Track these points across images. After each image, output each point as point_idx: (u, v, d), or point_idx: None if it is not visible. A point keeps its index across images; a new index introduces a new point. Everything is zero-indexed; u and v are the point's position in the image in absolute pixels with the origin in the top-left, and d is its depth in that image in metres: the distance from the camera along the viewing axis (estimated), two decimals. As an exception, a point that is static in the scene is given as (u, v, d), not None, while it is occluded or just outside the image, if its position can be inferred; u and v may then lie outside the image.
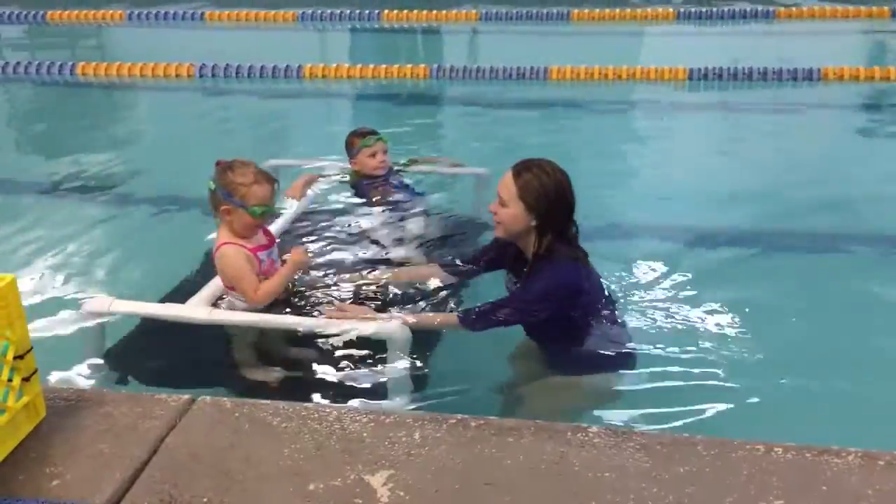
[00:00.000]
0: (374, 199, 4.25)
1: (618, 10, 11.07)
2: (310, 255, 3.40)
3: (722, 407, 2.90)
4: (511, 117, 7.35)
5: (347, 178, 4.44)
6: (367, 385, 2.96)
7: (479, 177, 4.78)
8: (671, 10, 11.20)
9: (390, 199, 4.26)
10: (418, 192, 4.45)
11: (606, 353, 3.06)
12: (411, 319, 2.97)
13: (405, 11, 11.53)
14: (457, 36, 11.51)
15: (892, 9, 10.67)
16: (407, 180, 4.51)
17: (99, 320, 3.01)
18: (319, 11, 11.73)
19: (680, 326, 3.37)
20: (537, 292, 2.95)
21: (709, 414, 2.86)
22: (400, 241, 4.01)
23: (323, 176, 4.51)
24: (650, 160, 6.21)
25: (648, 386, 3.01)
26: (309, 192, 4.33)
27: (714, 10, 11.19)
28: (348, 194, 4.42)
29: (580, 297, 2.98)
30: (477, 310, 3.04)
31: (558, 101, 7.64)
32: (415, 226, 4.15)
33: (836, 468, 1.89)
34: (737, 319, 3.40)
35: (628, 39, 10.61)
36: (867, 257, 4.36)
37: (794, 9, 10.87)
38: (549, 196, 2.93)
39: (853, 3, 11.19)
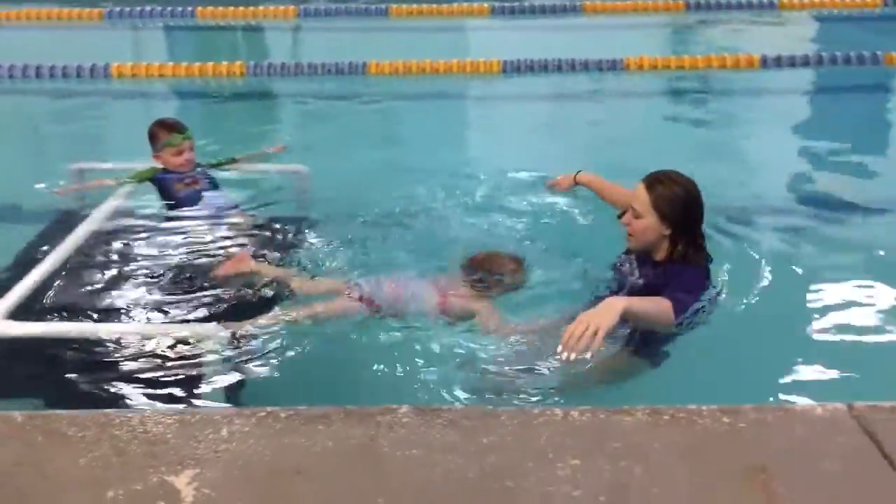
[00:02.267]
0: (179, 193, 4.12)
1: (434, 6, 11.23)
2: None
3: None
4: (331, 113, 7.32)
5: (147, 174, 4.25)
6: (184, 388, 2.90)
7: (299, 174, 4.75)
8: (486, 4, 11.49)
9: (200, 192, 4.15)
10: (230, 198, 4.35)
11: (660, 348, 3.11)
12: (635, 305, 2.77)
13: (220, 8, 11.20)
14: (277, 32, 11.31)
15: (685, 2, 11.42)
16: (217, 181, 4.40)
17: None
18: (128, 9, 11.20)
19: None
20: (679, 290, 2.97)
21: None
22: (219, 240, 3.94)
23: (119, 180, 4.28)
24: (470, 150, 6.38)
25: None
26: (113, 200, 4.13)
27: (525, 4, 11.58)
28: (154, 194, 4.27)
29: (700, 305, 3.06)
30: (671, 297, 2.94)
31: (378, 95, 7.66)
32: (234, 222, 4.09)
33: (626, 425, 2.02)
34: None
35: (445, 34, 10.80)
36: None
37: (598, 3, 11.41)
38: (682, 204, 3.06)
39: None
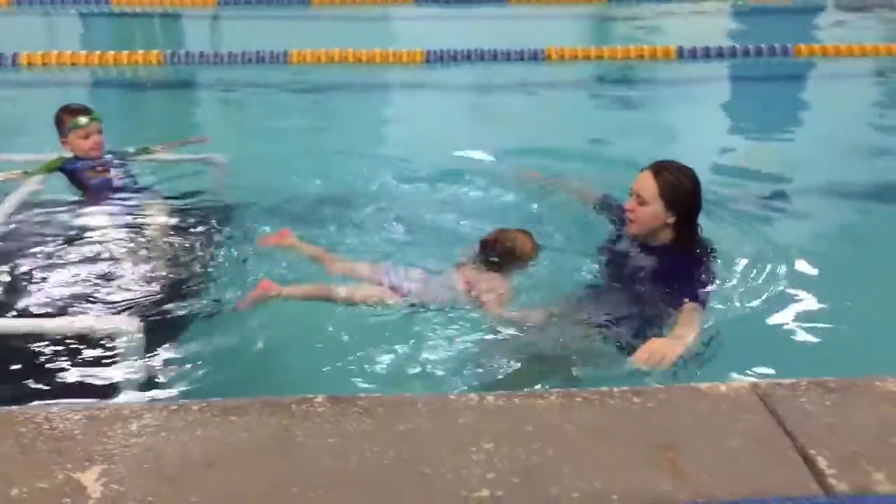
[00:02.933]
0: (91, 181, 4.01)
1: (358, -6, 11.17)
2: None
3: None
4: (252, 102, 7.22)
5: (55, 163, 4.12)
6: (96, 383, 2.83)
7: (217, 164, 4.68)
8: (411, -7, 11.47)
9: (112, 180, 4.04)
10: (144, 186, 4.26)
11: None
12: (687, 340, 2.85)
13: (136, -5, 10.92)
14: (196, 20, 11.08)
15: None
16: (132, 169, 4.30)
17: None
18: (39, -6, 10.81)
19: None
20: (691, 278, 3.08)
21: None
22: (131, 229, 3.85)
23: (25, 172, 4.15)
24: (392, 140, 6.37)
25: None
26: (20, 193, 4.00)
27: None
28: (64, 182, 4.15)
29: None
30: (692, 296, 3.03)
31: (299, 84, 7.58)
32: (147, 210, 4.00)
33: (540, 409, 2.05)
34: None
35: (368, 23, 10.74)
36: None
37: (524, -8, 11.49)
38: (687, 193, 3.11)
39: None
